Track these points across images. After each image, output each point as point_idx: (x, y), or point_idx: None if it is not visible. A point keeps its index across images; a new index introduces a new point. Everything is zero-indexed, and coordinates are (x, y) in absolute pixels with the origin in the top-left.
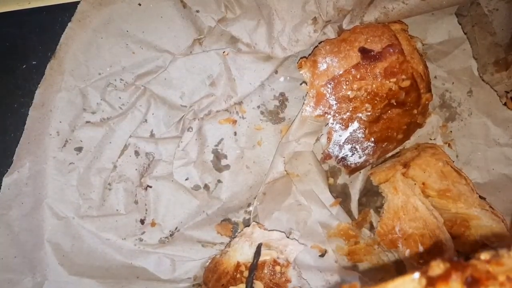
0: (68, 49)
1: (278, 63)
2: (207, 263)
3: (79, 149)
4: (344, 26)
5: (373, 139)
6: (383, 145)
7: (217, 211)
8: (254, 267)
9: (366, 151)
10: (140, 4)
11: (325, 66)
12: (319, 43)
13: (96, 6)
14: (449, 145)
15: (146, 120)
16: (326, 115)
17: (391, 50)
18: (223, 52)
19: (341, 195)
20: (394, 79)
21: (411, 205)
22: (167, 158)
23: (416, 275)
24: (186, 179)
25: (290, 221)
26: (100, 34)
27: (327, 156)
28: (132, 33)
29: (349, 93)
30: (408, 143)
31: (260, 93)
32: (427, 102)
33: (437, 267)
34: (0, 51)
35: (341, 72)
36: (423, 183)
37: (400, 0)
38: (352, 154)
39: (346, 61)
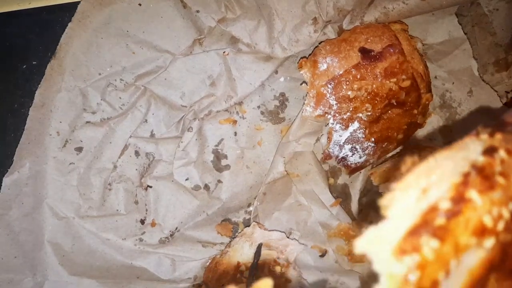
0: (68, 49)
1: (278, 63)
2: (208, 263)
3: (79, 149)
4: (344, 26)
5: (373, 139)
6: (383, 145)
7: (217, 211)
8: (254, 267)
9: (366, 151)
10: (140, 4)
11: (325, 66)
12: (319, 43)
13: (96, 6)
14: None
15: (146, 120)
16: (326, 115)
17: (391, 50)
18: (223, 52)
19: (341, 195)
20: (394, 79)
21: None
22: (167, 158)
23: (473, 137)
24: (186, 179)
25: (290, 221)
26: (100, 34)
27: (327, 156)
28: (132, 33)
29: (349, 93)
30: (409, 143)
31: (260, 93)
32: (427, 102)
33: (487, 129)
34: (0, 51)
35: (341, 72)
36: None
37: (400, 0)
38: (353, 154)
39: (346, 61)
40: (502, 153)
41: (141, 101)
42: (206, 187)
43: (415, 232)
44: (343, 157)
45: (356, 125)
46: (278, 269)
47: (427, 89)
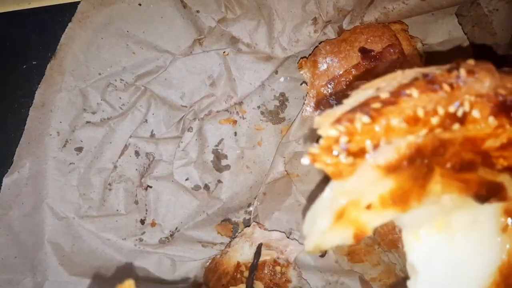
0: (68, 49)
1: (278, 63)
2: (208, 263)
3: (80, 149)
4: (345, 26)
5: None
6: None
7: (217, 211)
8: (254, 267)
9: None
10: (140, 4)
11: (325, 66)
12: (319, 43)
13: (96, 6)
14: None
15: (146, 120)
16: None
17: (392, 50)
18: (224, 52)
19: None
20: None
21: None
22: (167, 158)
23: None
24: (186, 179)
25: (290, 221)
26: (100, 34)
27: None
28: (133, 33)
29: (349, 93)
30: None
31: (260, 93)
32: None
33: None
34: (0, 51)
35: (341, 72)
36: None
37: (400, 0)
38: None
39: (346, 61)
40: (462, 71)
41: (141, 101)
42: (206, 187)
43: (353, 110)
44: None
45: None
46: (278, 269)
47: None
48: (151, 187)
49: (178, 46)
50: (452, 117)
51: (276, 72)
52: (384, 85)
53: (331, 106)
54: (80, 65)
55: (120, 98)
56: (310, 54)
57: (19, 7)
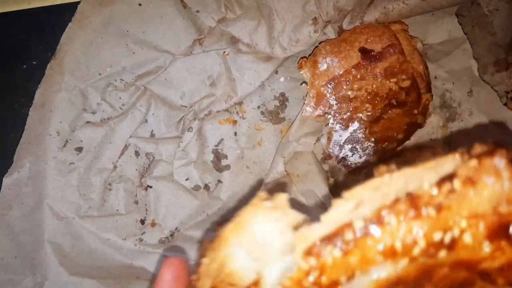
0: (68, 49)
1: (278, 63)
2: None
3: (79, 149)
4: (345, 26)
5: (373, 139)
6: (384, 145)
7: (218, 211)
8: None
9: (367, 151)
10: (140, 4)
11: (325, 66)
12: (319, 43)
13: (96, 6)
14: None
15: (146, 120)
16: (327, 115)
17: (391, 50)
18: (224, 52)
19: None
20: (395, 79)
21: None
22: (167, 158)
23: (457, 155)
24: (187, 179)
25: None
26: (100, 34)
27: (327, 156)
28: (132, 33)
29: (349, 93)
30: (409, 143)
31: (260, 93)
32: (427, 102)
33: (479, 148)
34: (0, 51)
35: (341, 72)
36: None
37: (400, 0)
38: (353, 154)
39: (346, 61)
40: (456, 183)
41: (141, 101)
42: (206, 187)
43: (324, 239)
44: (343, 157)
45: (356, 125)
46: None
47: (427, 89)
48: (151, 187)
49: (178, 46)
50: (438, 245)
51: (276, 72)
52: (367, 197)
53: (331, 106)
54: (80, 65)
55: (120, 98)
56: (310, 54)
57: (19, 7)
